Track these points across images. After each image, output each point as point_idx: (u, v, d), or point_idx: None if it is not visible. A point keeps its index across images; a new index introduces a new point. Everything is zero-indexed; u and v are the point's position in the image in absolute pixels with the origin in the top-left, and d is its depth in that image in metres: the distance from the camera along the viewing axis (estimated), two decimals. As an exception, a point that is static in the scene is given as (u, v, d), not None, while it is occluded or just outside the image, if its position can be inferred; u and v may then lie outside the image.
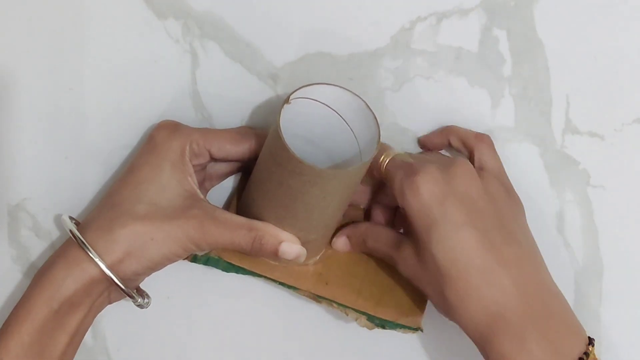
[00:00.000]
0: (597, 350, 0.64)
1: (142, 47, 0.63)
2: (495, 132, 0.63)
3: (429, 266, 0.55)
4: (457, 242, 0.54)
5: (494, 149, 0.62)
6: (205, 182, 0.62)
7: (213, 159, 0.60)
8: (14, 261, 0.65)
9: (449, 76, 0.63)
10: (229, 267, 0.61)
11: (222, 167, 0.63)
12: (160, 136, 0.59)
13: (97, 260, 0.54)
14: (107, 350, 0.67)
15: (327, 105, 0.57)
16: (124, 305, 0.60)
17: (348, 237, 0.63)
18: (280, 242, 0.57)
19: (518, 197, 0.60)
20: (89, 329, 0.58)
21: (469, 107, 0.63)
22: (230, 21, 0.62)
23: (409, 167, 0.57)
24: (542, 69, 0.62)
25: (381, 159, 0.59)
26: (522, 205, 0.60)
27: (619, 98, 0.63)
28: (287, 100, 0.54)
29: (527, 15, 0.62)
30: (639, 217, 0.64)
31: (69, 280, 0.54)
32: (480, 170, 0.60)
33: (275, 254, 0.57)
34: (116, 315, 0.64)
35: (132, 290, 0.57)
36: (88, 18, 0.63)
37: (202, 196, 0.58)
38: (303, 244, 0.58)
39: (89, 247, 0.54)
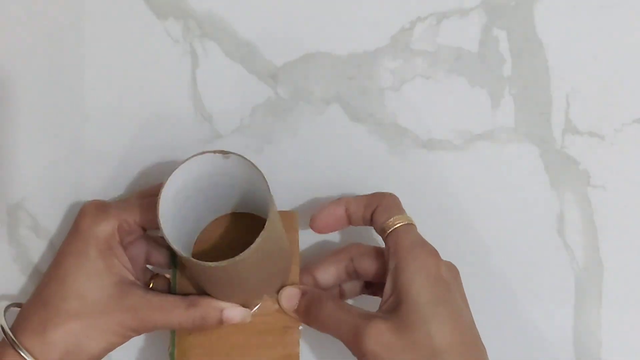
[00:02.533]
0: (597, 351, 0.64)
1: (142, 47, 0.63)
2: (495, 132, 0.63)
3: (420, 347, 0.51)
4: (459, 331, 0.52)
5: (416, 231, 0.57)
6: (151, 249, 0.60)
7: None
8: (13, 261, 0.64)
9: (449, 76, 0.63)
10: None
11: None
12: (85, 222, 0.56)
13: None
14: None
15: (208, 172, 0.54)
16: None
17: (303, 292, 0.57)
18: (221, 311, 0.55)
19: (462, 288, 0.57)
20: None
21: (469, 107, 0.63)
22: (230, 21, 0.63)
23: (354, 334, 0.52)
24: (542, 69, 0.62)
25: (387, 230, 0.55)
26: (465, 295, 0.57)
27: (619, 98, 0.63)
28: (159, 195, 0.51)
29: (527, 16, 0.62)
30: (639, 218, 0.64)
31: None
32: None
33: (220, 323, 0.55)
34: None
35: None
36: (88, 18, 0.63)
37: (132, 278, 0.56)
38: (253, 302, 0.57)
39: (27, 353, 0.53)
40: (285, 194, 0.64)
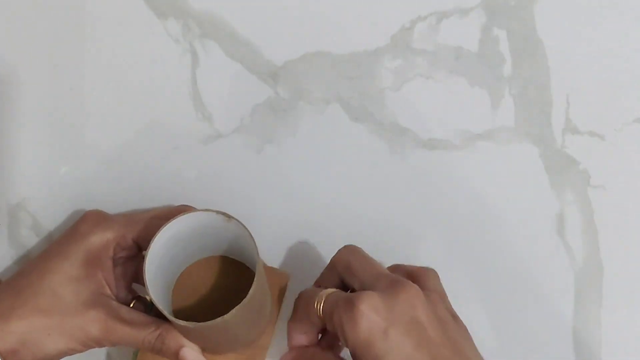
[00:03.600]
0: (597, 350, 0.64)
1: (142, 46, 0.63)
2: (495, 132, 0.63)
3: None
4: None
5: (439, 278, 0.55)
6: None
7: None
8: (13, 261, 0.64)
9: (449, 76, 0.63)
10: None
11: None
12: (83, 227, 0.57)
13: None
14: None
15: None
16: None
17: None
18: (181, 347, 0.54)
19: (462, 322, 0.54)
20: None
21: (469, 107, 0.63)
22: (230, 20, 0.63)
23: (346, 301, 0.50)
24: (542, 69, 0.62)
25: (315, 305, 0.52)
26: (468, 331, 0.54)
27: (619, 98, 0.63)
28: (145, 256, 0.51)
29: (527, 15, 0.62)
30: (639, 218, 0.64)
31: None
32: (424, 290, 0.52)
33: (175, 356, 0.55)
34: None
35: None
36: (88, 18, 0.63)
37: (109, 293, 0.56)
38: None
39: None
40: (285, 193, 0.64)
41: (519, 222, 0.64)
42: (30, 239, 0.64)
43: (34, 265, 0.57)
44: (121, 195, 0.64)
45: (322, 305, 0.52)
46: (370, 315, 0.49)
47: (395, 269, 0.55)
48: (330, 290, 0.53)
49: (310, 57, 0.63)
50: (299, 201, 0.64)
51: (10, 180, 0.64)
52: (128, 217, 0.58)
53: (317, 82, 0.63)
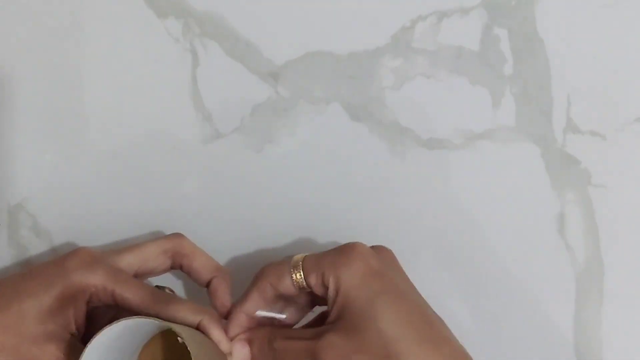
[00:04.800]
0: (598, 351, 0.64)
1: (142, 46, 0.63)
2: (496, 132, 0.63)
3: (372, 344, 0.51)
4: (405, 314, 0.52)
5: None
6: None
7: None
8: (13, 261, 0.64)
9: (450, 75, 0.63)
10: None
11: None
12: (70, 263, 0.54)
13: None
14: None
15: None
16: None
17: (248, 341, 0.56)
18: None
19: None
20: None
21: (470, 106, 0.63)
22: (230, 20, 0.63)
23: (338, 249, 0.54)
24: (543, 68, 0.62)
25: (292, 274, 0.54)
26: None
27: (620, 97, 0.63)
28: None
29: (528, 14, 0.61)
30: (640, 217, 0.64)
31: None
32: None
33: None
34: None
35: None
36: (88, 17, 0.63)
37: (75, 332, 0.55)
38: None
39: None
40: (285, 193, 0.64)
41: (519, 221, 0.64)
42: (30, 239, 0.64)
43: (12, 280, 0.55)
44: (121, 195, 0.64)
45: (300, 270, 0.54)
46: (365, 255, 0.53)
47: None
48: (299, 255, 0.55)
49: (311, 56, 0.63)
50: (299, 200, 0.64)
51: (10, 180, 0.64)
52: (115, 271, 0.55)
53: (318, 82, 0.63)
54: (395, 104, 0.63)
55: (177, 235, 0.59)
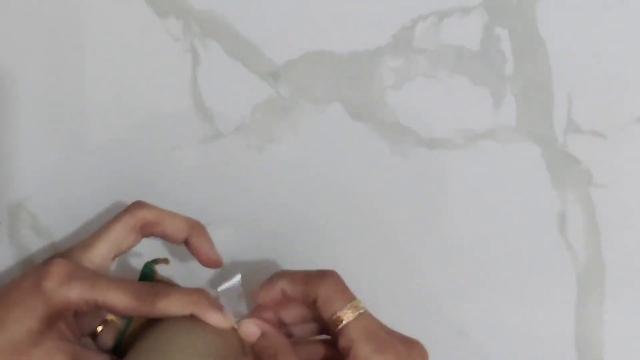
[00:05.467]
0: (599, 350, 0.64)
1: (143, 45, 0.63)
2: (497, 132, 0.63)
3: None
4: None
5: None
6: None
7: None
8: (14, 260, 0.65)
9: (451, 75, 0.63)
10: None
11: None
12: (47, 284, 0.53)
13: None
14: None
15: None
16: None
17: (263, 335, 0.54)
18: None
19: None
20: None
21: (471, 106, 0.63)
22: (231, 20, 0.62)
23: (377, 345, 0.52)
24: (544, 68, 0.62)
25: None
26: None
27: (621, 97, 0.62)
28: None
29: (529, 14, 0.61)
30: (641, 217, 0.64)
31: None
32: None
33: None
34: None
35: None
36: (88, 17, 0.63)
37: (72, 338, 0.54)
38: None
39: None
40: (286, 192, 0.64)
41: (520, 221, 0.64)
42: (30, 239, 0.64)
43: None
44: (121, 195, 0.64)
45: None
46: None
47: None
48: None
49: (311, 56, 0.63)
50: (299, 200, 0.64)
51: (10, 180, 0.64)
52: (92, 279, 0.54)
53: (318, 81, 0.63)
54: (396, 103, 0.63)
55: (138, 206, 0.57)
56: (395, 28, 0.62)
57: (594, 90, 0.62)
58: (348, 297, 0.53)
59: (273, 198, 0.64)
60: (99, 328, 0.57)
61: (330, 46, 0.63)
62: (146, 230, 0.58)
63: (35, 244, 0.64)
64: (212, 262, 0.58)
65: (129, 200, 0.63)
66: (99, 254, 0.56)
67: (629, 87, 0.62)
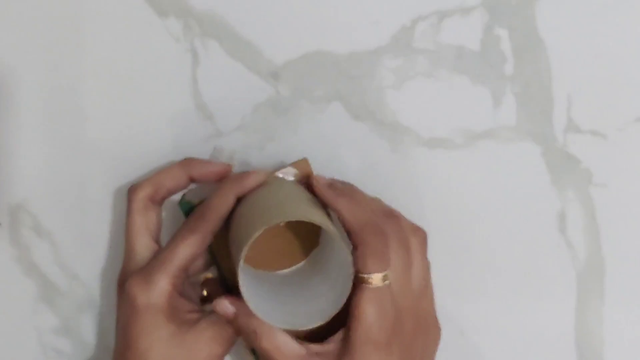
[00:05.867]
0: (599, 349, 0.64)
1: (143, 46, 0.63)
2: (497, 131, 0.63)
3: None
4: None
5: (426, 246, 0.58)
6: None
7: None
8: (14, 261, 0.65)
9: (451, 75, 0.63)
10: None
11: None
12: (139, 299, 0.55)
13: None
14: None
15: None
16: None
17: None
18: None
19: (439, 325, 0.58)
20: None
21: (471, 105, 0.63)
22: (231, 20, 0.63)
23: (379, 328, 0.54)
24: (543, 68, 0.62)
25: None
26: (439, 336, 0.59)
27: (621, 97, 0.62)
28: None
29: (528, 14, 0.61)
30: (641, 216, 0.64)
31: None
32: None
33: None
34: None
35: None
36: (88, 17, 0.63)
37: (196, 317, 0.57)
38: None
39: None
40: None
41: (520, 220, 0.64)
42: (30, 239, 0.64)
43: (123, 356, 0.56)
44: (122, 195, 0.64)
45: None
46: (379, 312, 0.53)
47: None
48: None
49: (311, 56, 0.63)
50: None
51: (10, 180, 0.64)
52: (159, 259, 0.56)
53: (318, 81, 0.63)
54: (396, 103, 0.63)
55: (133, 190, 0.59)
56: (395, 28, 0.62)
57: (594, 90, 0.62)
58: (385, 262, 0.54)
59: (273, 198, 0.64)
60: (204, 292, 0.59)
61: (330, 46, 0.63)
62: (156, 200, 0.59)
63: (35, 244, 0.64)
64: (222, 173, 0.59)
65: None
66: (143, 245, 0.58)
67: (628, 87, 0.63)
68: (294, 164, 0.59)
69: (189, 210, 0.59)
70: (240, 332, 0.55)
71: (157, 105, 0.63)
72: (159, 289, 0.55)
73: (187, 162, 0.59)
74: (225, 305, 0.55)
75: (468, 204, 0.64)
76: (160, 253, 0.56)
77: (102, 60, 0.63)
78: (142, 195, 0.58)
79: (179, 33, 0.63)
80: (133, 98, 0.63)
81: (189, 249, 0.55)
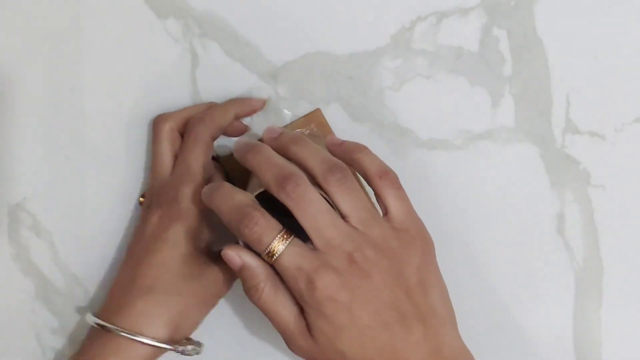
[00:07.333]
0: (597, 350, 0.64)
1: (142, 46, 0.63)
2: (496, 132, 0.63)
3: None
4: (370, 343, 0.52)
5: (400, 187, 0.57)
6: None
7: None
8: (14, 260, 0.65)
9: (449, 76, 0.63)
10: None
11: None
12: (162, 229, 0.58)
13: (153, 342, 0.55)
14: None
15: None
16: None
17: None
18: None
19: (428, 235, 0.57)
20: None
21: (469, 106, 0.63)
22: (230, 20, 0.63)
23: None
24: (542, 69, 0.62)
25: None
26: (431, 244, 0.57)
27: (619, 97, 0.63)
28: None
29: (527, 15, 0.62)
30: (639, 217, 0.64)
31: None
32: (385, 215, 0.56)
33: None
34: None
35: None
36: (88, 17, 0.63)
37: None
38: None
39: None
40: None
41: (518, 221, 0.64)
42: (30, 239, 0.64)
43: (149, 262, 0.57)
44: (121, 195, 0.64)
45: None
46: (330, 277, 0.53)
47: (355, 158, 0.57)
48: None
49: (311, 57, 0.63)
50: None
51: (10, 180, 0.64)
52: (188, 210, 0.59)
53: (318, 82, 0.63)
54: (395, 104, 0.63)
55: (162, 120, 0.62)
56: (394, 29, 0.62)
57: (592, 90, 0.63)
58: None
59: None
60: None
61: (329, 47, 0.63)
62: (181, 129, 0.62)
63: (35, 244, 0.64)
64: (241, 128, 0.63)
65: (129, 200, 0.64)
66: (167, 166, 0.61)
67: (626, 88, 0.63)
68: (307, 116, 0.63)
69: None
70: (243, 284, 0.56)
71: (156, 106, 0.63)
72: (182, 221, 0.58)
73: (210, 110, 0.61)
74: (231, 255, 0.55)
75: (467, 205, 0.64)
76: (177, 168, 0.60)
77: (102, 60, 0.63)
78: (167, 127, 0.61)
79: (178, 34, 0.63)
80: (132, 98, 0.64)
81: (201, 157, 0.59)
